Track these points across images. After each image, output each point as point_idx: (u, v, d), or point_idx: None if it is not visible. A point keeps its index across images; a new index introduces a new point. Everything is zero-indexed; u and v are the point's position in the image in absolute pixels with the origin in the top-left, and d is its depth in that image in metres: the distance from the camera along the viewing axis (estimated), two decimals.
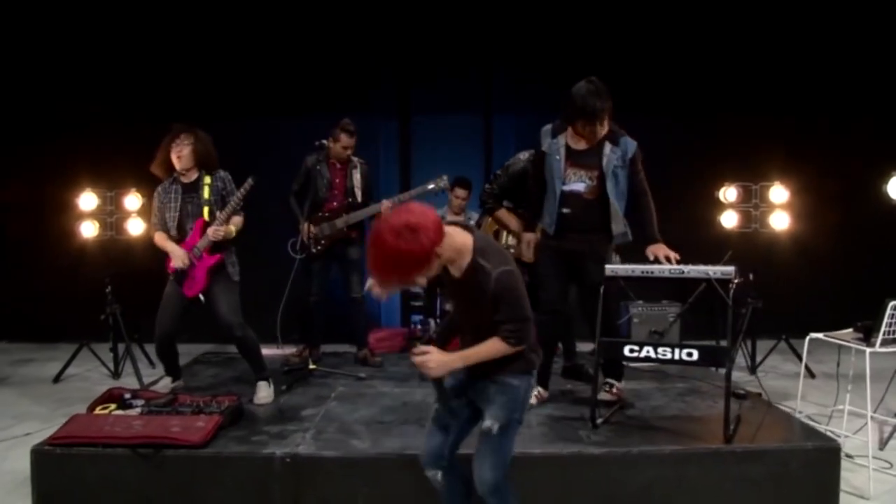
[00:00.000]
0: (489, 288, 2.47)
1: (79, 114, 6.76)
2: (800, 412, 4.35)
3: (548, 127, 4.07)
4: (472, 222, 6.06)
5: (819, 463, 3.38)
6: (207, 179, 4.25)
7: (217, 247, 4.16)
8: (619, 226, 3.95)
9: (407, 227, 2.32)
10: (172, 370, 4.43)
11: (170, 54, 7.01)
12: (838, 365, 4.30)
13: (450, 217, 6.42)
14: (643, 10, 7.11)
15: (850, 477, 3.71)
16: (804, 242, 6.49)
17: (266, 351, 4.44)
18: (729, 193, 6.14)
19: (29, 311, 7.09)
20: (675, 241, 6.20)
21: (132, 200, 6.04)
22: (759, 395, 5.05)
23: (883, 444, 4.20)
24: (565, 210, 3.95)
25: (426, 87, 7.62)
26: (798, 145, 6.68)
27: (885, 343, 3.69)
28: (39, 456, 3.32)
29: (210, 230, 4.10)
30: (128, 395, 3.81)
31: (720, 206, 6.24)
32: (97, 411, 3.68)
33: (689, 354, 3.45)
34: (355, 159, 5.29)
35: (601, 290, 3.65)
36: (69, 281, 6.59)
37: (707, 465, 3.33)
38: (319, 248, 5.08)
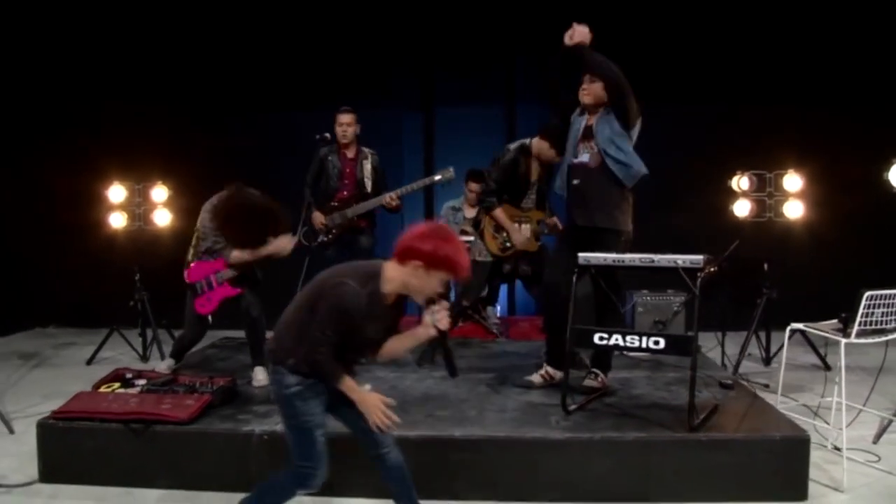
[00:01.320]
0: None
1: (108, 110, 7.14)
2: (783, 402, 4.33)
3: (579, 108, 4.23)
4: None
5: (787, 453, 3.39)
6: None
7: (241, 280, 4.43)
8: (623, 169, 3.99)
9: None
10: (178, 356, 4.78)
11: (195, 51, 7.32)
12: (825, 356, 4.27)
13: (467, 210, 6.55)
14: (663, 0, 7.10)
15: (832, 469, 3.70)
16: (819, 231, 6.39)
17: None
18: (742, 182, 6.07)
19: (73, 297, 7.56)
20: (689, 229, 6.23)
21: (159, 192, 6.34)
22: (767, 385, 5.07)
23: (876, 438, 4.14)
24: (575, 181, 4.11)
25: (449, 78, 7.75)
26: (812, 133, 6.58)
27: (861, 334, 3.65)
28: (44, 429, 3.62)
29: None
30: (130, 375, 4.08)
31: (734, 195, 6.17)
32: (101, 389, 3.95)
33: (657, 343, 3.49)
34: (366, 150, 5.40)
35: (573, 278, 3.73)
36: (103, 269, 6.97)
37: (671, 454, 3.37)
38: (330, 236, 5.26)
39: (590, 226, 4.03)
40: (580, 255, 3.74)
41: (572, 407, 3.75)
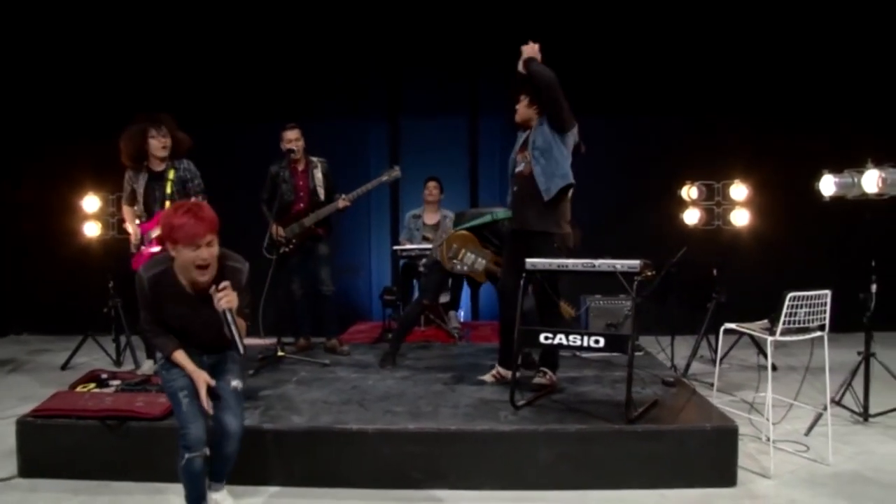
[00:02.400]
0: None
1: (81, 123, 7.33)
2: (720, 397, 4.66)
3: None
4: (448, 220, 6.43)
5: (716, 442, 3.65)
6: (171, 174, 4.89)
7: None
8: (558, 179, 4.23)
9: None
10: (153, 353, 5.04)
11: (166, 64, 7.52)
12: (760, 355, 4.56)
13: (427, 216, 6.81)
14: (616, 16, 7.46)
15: (763, 458, 3.98)
16: (764, 237, 6.75)
17: (255, 341, 4.96)
18: (692, 192, 6.39)
19: (48, 305, 7.71)
20: (641, 236, 6.55)
21: None
22: (712, 384, 5.36)
23: (808, 430, 4.44)
24: (514, 189, 4.42)
25: (415, 91, 8.02)
26: (757, 146, 7.00)
27: (786, 332, 3.96)
28: (23, 426, 3.81)
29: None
30: (105, 375, 4.28)
31: (684, 204, 6.49)
32: (78, 389, 4.15)
33: (597, 342, 3.77)
34: (315, 159, 5.57)
35: (521, 282, 4.01)
36: (77, 277, 7.15)
37: (609, 444, 3.63)
38: (290, 247, 5.46)
39: (524, 230, 4.32)
40: (528, 260, 4.01)
41: (521, 402, 4.02)
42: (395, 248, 6.68)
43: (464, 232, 5.11)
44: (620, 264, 3.81)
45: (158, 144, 4.85)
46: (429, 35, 7.73)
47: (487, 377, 4.60)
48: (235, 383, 3.23)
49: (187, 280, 3.01)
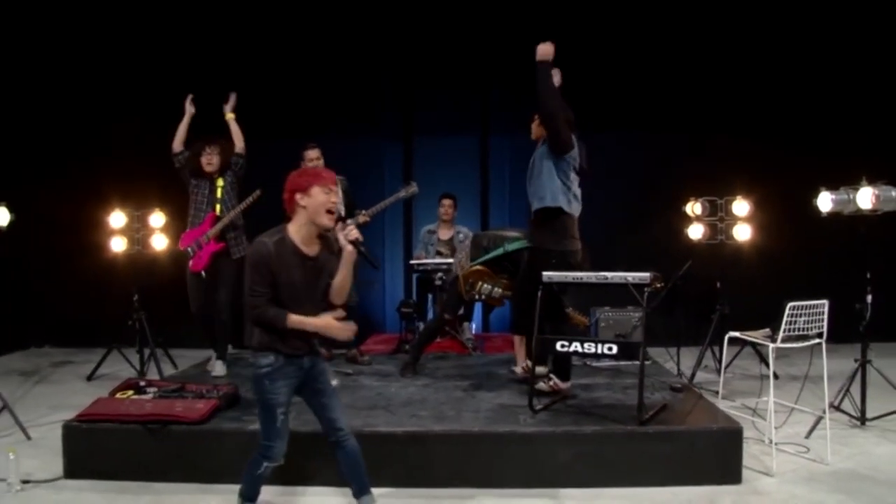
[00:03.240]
0: None
1: (109, 141, 7.61)
2: (729, 404, 4.88)
3: None
4: (462, 236, 6.69)
5: (722, 443, 3.90)
6: (220, 182, 5.40)
7: (222, 236, 5.26)
8: (536, 200, 4.53)
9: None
10: (218, 346, 5.42)
11: (188, 83, 7.75)
12: (761, 362, 4.79)
13: (441, 232, 7.06)
14: (625, 35, 7.74)
15: (766, 459, 4.21)
16: (765, 251, 6.97)
17: None
18: (696, 207, 6.62)
19: (71, 318, 7.93)
20: (647, 251, 6.79)
21: (156, 218, 6.74)
22: (717, 392, 5.59)
23: (809, 433, 4.67)
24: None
25: (428, 111, 8.28)
26: (758, 163, 7.24)
27: (787, 340, 4.20)
28: (69, 430, 4.05)
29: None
30: (143, 383, 4.51)
31: (688, 220, 6.73)
32: (117, 396, 4.38)
33: (610, 349, 4.02)
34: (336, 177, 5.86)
35: (538, 294, 4.26)
36: (101, 291, 7.38)
37: (622, 444, 3.87)
38: None
39: (531, 244, 4.67)
40: (544, 273, 4.26)
41: (538, 407, 4.25)
42: (412, 262, 6.92)
43: (478, 267, 5.34)
44: (631, 276, 4.05)
45: (205, 161, 5.42)
46: (441, 57, 7.98)
47: (517, 369, 5.00)
48: (336, 382, 3.46)
49: (308, 236, 3.15)
